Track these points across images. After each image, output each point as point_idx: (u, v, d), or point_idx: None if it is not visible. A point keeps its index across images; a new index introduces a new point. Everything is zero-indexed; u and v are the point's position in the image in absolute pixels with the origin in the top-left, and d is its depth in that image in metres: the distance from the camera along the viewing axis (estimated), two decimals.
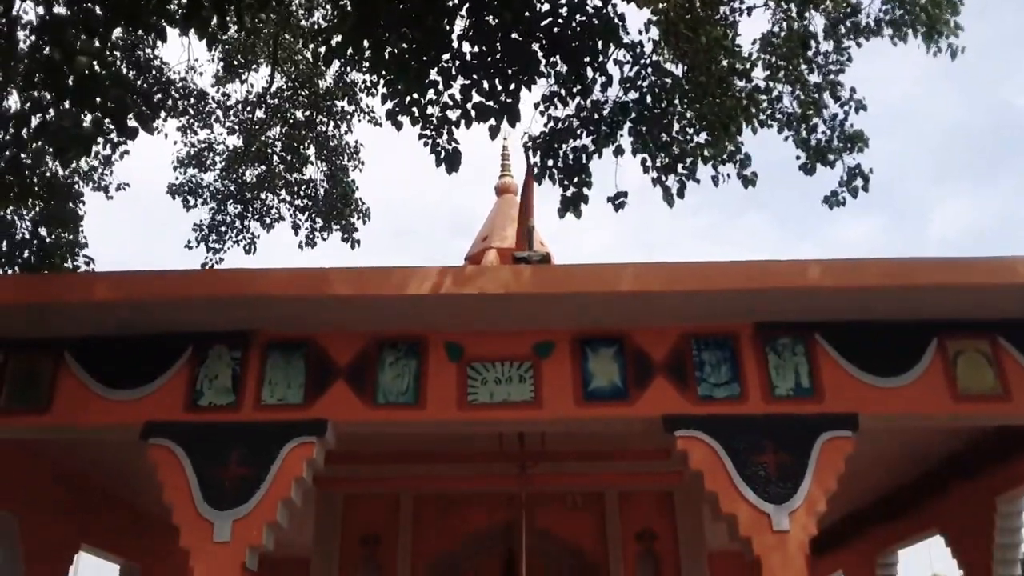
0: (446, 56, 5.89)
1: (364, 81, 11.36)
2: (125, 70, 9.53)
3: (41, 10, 5.28)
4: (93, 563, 9.87)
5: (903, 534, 9.78)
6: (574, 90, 6.78)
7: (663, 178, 7.30)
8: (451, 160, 6.47)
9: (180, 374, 5.58)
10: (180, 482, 5.24)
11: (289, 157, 12.12)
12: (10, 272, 9.24)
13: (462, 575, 9.51)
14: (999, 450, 7.46)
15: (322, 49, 7.01)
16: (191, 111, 12.08)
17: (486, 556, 9.43)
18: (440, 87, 6.04)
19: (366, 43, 5.67)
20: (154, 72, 11.14)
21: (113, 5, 4.64)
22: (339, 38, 5.87)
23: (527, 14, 5.72)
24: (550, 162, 7.12)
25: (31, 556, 7.72)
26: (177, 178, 12.25)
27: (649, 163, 7.27)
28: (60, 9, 5.33)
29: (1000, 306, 5.55)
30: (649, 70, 7.28)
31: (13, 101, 5.34)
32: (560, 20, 5.94)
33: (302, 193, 12.26)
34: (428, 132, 6.47)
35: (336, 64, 10.34)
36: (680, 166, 7.26)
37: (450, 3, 5.74)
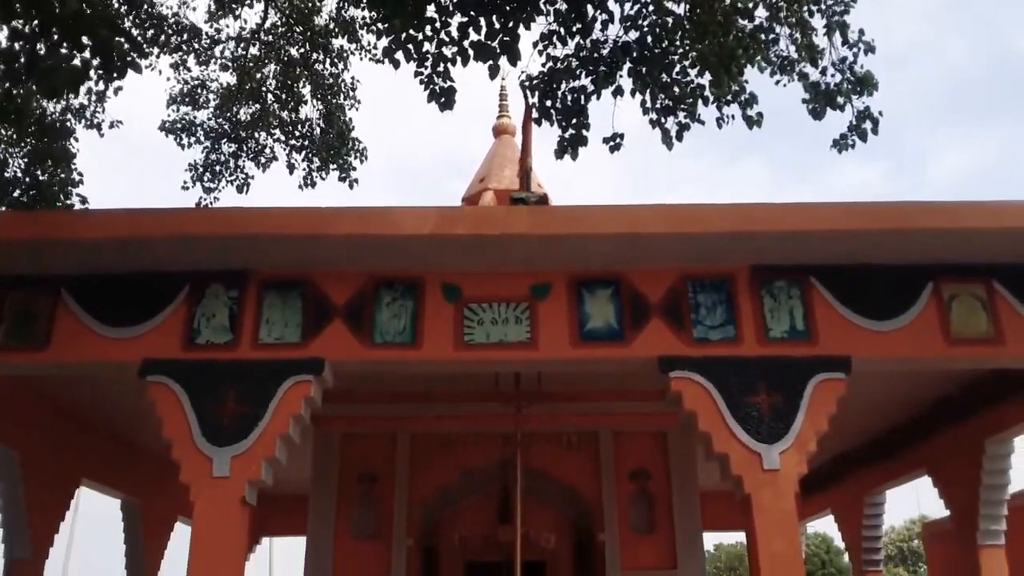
0: None
1: (364, 18, 11.14)
2: (116, 4, 9.31)
3: None
4: (94, 498, 10.01)
5: (892, 475, 9.96)
6: (574, 29, 6.67)
7: (662, 120, 7.23)
8: (445, 98, 6.39)
9: (177, 312, 5.59)
10: (179, 419, 5.30)
11: (284, 95, 11.95)
12: (2, 210, 9.18)
13: (458, 513, 9.69)
14: (990, 394, 7.54)
15: None
16: (184, 48, 11.87)
17: (482, 495, 9.60)
18: (437, 24, 5.94)
19: None
20: (146, 7, 10.92)
21: None
22: None
23: None
24: (548, 103, 7.04)
25: (32, 492, 7.84)
26: (170, 115, 12.11)
27: (649, 104, 7.18)
28: None
29: (995, 250, 5.56)
30: (650, 8, 7.14)
31: (2, 36, 5.23)
32: None
33: (297, 132, 12.11)
34: (424, 70, 6.38)
35: (333, 0, 10.15)
36: (680, 107, 7.18)
37: None
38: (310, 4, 11.66)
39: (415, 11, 5.68)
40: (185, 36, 11.79)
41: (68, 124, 10.67)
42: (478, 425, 8.54)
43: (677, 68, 7.20)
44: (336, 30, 11.79)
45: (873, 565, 10.96)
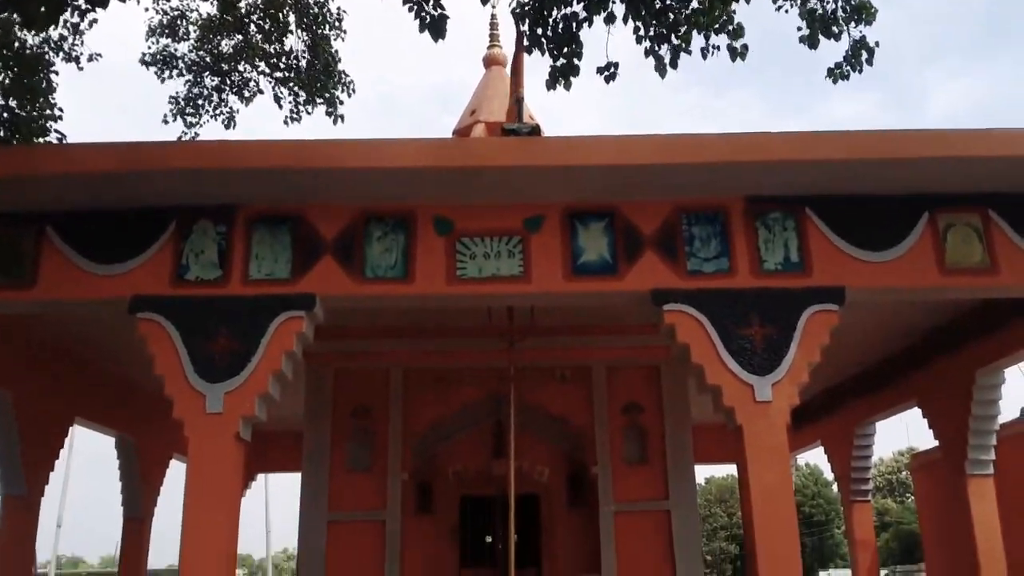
0: None
1: None
2: None
3: None
4: (88, 436, 10.06)
5: (882, 406, 10.07)
6: None
7: (656, 48, 7.06)
8: (436, 26, 6.23)
9: (165, 248, 5.51)
10: (170, 356, 5.26)
11: (267, 26, 11.61)
12: None
13: (452, 447, 9.77)
14: (982, 324, 7.58)
15: None
16: None
17: (475, 429, 9.68)
18: None
19: None
20: None
21: None
22: None
23: None
24: (540, 30, 6.85)
25: (26, 431, 7.86)
26: (150, 47, 11.79)
27: (642, 32, 7.01)
28: None
29: (992, 179, 5.51)
30: None
31: None
32: None
33: (282, 64, 11.80)
34: None
35: None
36: (674, 35, 7.01)
37: None
38: None
39: None
40: None
41: (47, 57, 10.38)
42: (471, 360, 8.56)
43: None
44: None
45: (862, 496, 11.17)
